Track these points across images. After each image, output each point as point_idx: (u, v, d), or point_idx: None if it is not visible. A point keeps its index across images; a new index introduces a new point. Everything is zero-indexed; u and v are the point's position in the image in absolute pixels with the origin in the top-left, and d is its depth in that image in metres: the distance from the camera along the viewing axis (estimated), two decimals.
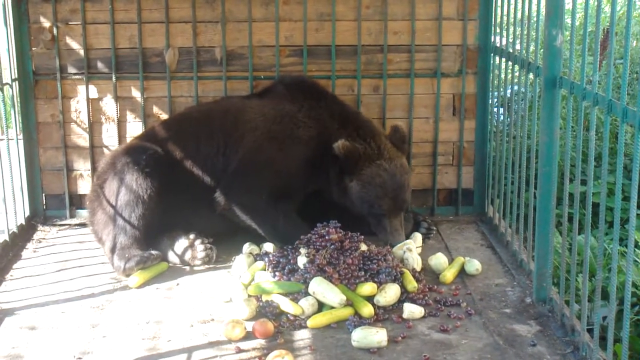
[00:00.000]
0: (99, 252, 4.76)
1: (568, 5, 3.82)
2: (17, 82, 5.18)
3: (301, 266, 4.14)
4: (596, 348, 3.44)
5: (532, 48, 4.36)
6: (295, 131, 4.72)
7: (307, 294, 4.01)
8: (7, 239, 4.87)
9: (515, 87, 4.78)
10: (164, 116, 5.29)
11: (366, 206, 4.60)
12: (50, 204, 5.46)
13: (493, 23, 5.22)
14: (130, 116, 5.36)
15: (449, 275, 4.40)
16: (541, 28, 4.11)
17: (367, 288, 4.04)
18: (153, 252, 4.53)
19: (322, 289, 3.97)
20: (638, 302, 4.35)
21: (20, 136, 5.28)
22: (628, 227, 3.13)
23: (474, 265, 4.50)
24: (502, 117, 5.17)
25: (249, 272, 4.32)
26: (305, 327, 3.88)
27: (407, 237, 4.73)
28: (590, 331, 3.60)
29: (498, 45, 5.13)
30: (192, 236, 4.64)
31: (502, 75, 5.10)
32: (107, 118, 5.36)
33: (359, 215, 4.67)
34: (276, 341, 3.73)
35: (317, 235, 4.27)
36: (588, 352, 3.50)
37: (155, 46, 5.27)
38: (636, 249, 4.54)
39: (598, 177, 5.06)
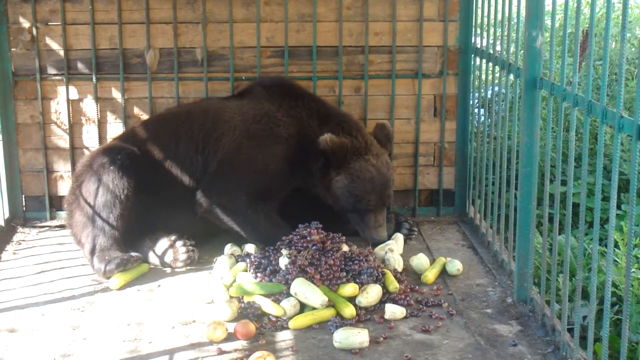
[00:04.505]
0: (79, 254, 4.73)
1: (548, 7, 3.83)
2: None
3: (283, 267, 4.14)
4: (576, 347, 3.46)
5: (512, 49, 4.39)
6: (275, 130, 4.71)
7: (288, 295, 4.01)
8: None
9: (496, 88, 4.80)
10: (145, 117, 5.26)
11: (352, 201, 4.58)
12: (30, 205, 5.42)
13: (474, 24, 5.23)
14: (110, 117, 5.33)
15: (430, 275, 4.41)
16: (521, 29, 4.14)
17: (349, 289, 4.05)
18: (133, 254, 4.50)
19: (303, 289, 3.97)
20: (618, 302, 4.37)
21: (0, 137, 5.24)
22: (608, 227, 3.15)
23: (455, 266, 4.51)
24: (482, 118, 5.19)
25: (230, 273, 4.31)
26: (287, 328, 3.88)
27: (389, 238, 4.74)
28: (570, 331, 3.62)
29: (479, 46, 5.15)
30: (173, 237, 4.61)
31: (483, 76, 5.12)
32: (88, 119, 5.32)
33: (341, 211, 4.66)
34: (258, 342, 3.72)
35: (298, 236, 4.27)
36: (568, 351, 3.52)
37: (136, 47, 5.25)
38: (616, 249, 4.55)
39: (578, 177, 5.09)
